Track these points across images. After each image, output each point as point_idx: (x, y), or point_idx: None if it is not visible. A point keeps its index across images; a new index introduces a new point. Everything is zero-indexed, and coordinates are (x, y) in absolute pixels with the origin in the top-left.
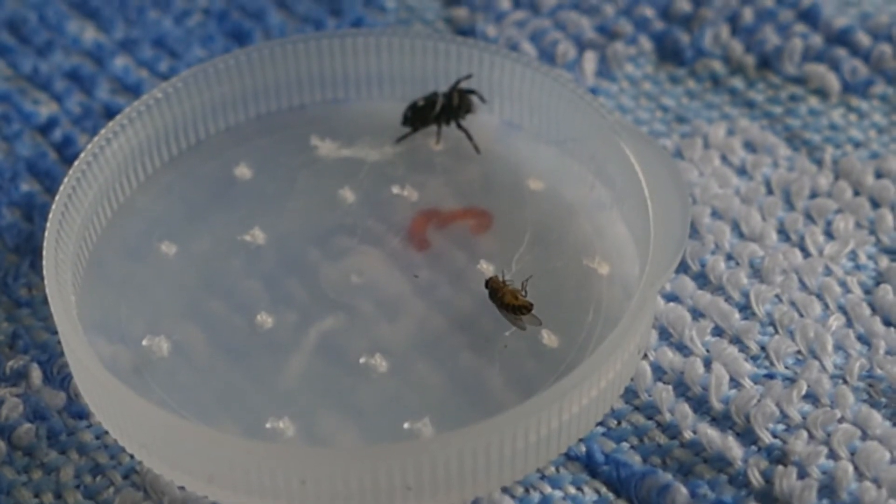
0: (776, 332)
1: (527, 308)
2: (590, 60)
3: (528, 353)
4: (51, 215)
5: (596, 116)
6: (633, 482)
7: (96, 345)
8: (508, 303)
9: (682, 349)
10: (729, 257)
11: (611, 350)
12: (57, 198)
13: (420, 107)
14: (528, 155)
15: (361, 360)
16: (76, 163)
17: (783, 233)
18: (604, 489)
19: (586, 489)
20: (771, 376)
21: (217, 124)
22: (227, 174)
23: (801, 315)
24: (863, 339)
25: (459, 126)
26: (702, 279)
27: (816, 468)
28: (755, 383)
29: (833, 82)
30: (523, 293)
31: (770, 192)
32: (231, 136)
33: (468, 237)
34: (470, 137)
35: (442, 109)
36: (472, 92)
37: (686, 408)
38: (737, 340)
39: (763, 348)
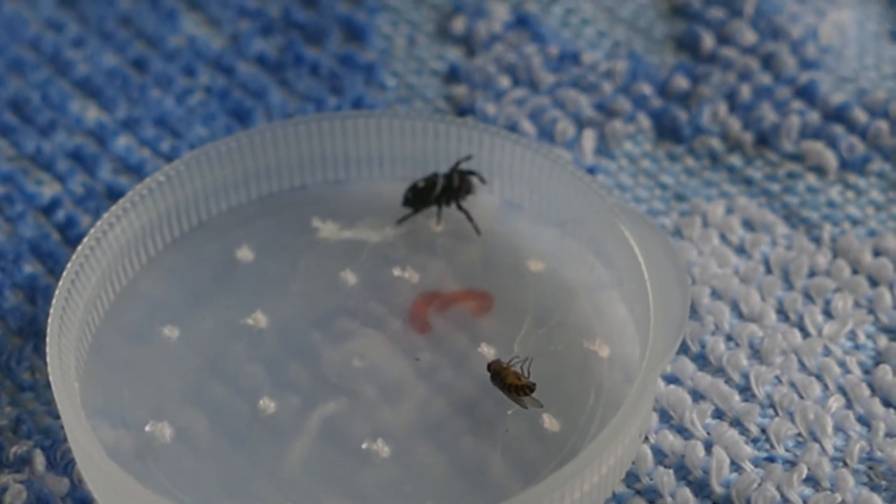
0: (776, 414)
1: (530, 388)
2: (589, 138)
3: (530, 437)
4: (54, 301)
5: (595, 198)
6: None
7: (99, 430)
8: (511, 383)
9: (683, 432)
10: (728, 338)
11: (613, 435)
12: (60, 283)
13: (420, 188)
14: (529, 236)
15: (364, 445)
16: (79, 247)
17: (782, 312)
18: None
19: None
20: (771, 459)
21: (219, 205)
22: (229, 256)
23: (801, 397)
24: (862, 421)
25: (460, 207)
26: (702, 360)
27: None
28: (756, 466)
29: (830, 159)
30: (526, 374)
31: (769, 271)
32: (233, 218)
33: (469, 319)
34: (470, 219)
35: (442, 191)
36: (472, 173)
37: (687, 492)
38: (737, 423)
39: (763, 430)
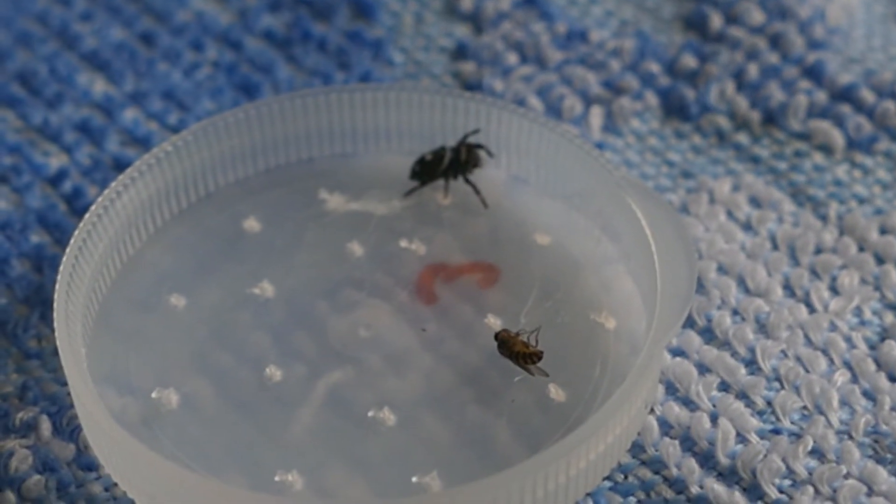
0: (782, 387)
1: (537, 356)
2: (596, 115)
3: (536, 407)
4: (61, 268)
5: (602, 172)
6: None
7: (106, 397)
8: (519, 351)
9: (689, 404)
10: (735, 312)
11: (618, 405)
12: (67, 251)
13: (428, 161)
14: (535, 209)
15: (370, 414)
16: (87, 216)
17: (788, 288)
18: None
19: None
20: (777, 432)
21: (226, 177)
22: (236, 227)
23: (807, 370)
24: (868, 395)
25: (467, 180)
26: (708, 334)
27: None
28: (761, 438)
29: (837, 138)
30: (534, 343)
31: (775, 247)
32: (240, 189)
33: (476, 291)
34: (478, 192)
35: (450, 164)
36: (479, 147)
37: (693, 463)
38: (743, 395)
39: (769, 403)
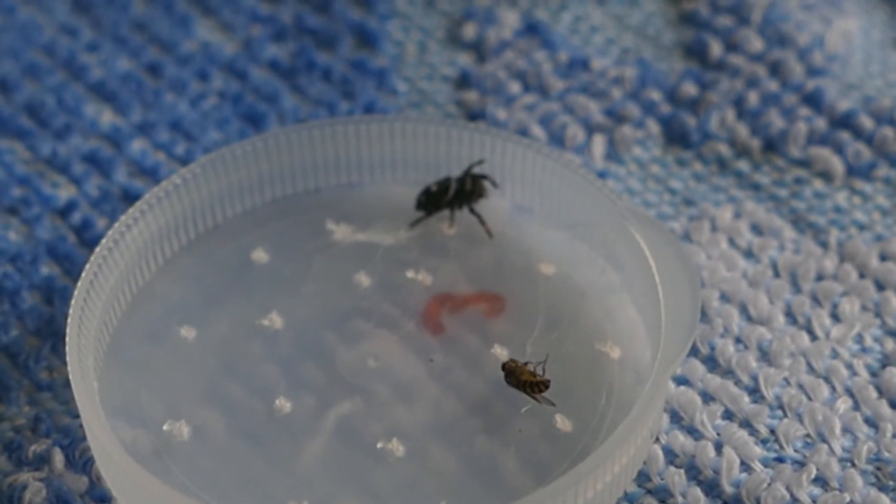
0: (785, 415)
1: (545, 384)
2: (598, 144)
3: (542, 437)
4: (73, 301)
5: (605, 202)
6: None
7: (118, 429)
8: (527, 380)
9: (694, 433)
10: (738, 340)
11: (625, 435)
12: (79, 283)
13: (433, 192)
14: (540, 239)
15: (379, 445)
16: (98, 248)
17: (790, 315)
18: None
19: None
20: (781, 460)
21: (234, 208)
22: (245, 258)
23: (809, 398)
24: (870, 422)
25: (472, 211)
26: (711, 362)
27: None
28: (765, 467)
29: (837, 165)
30: (541, 373)
31: (777, 274)
32: (248, 220)
33: (482, 321)
34: (483, 222)
35: (455, 194)
36: (484, 177)
37: (698, 491)
38: (747, 424)
39: (772, 431)
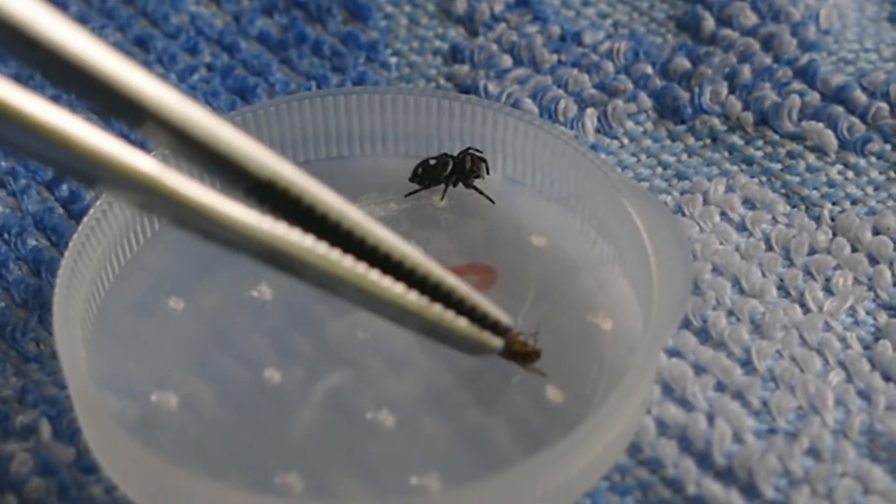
0: (777, 387)
1: (536, 355)
2: (590, 117)
3: (534, 408)
4: (60, 272)
5: (598, 173)
6: None
7: (105, 400)
8: (518, 350)
9: (685, 404)
10: (730, 313)
11: (616, 407)
12: (66, 254)
13: (431, 165)
14: (531, 211)
15: (368, 416)
16: (85, 219)
17: (783, 289)
18: None
19: None
20: (773, 431)
21: None
22: None
23: (802, 371)
24: (863, 395)
25: (467, 186)
26: (703, 335)
27: None
28: (757, 438)
29: (830, 139)
30: (532, 342)
31: (770, 248)
32: None
33: None
34: (481, 191)
35: (453, 170)
36: (483, 160)
37: (689, 462)
38: (739, 396)
39: (765, 403)
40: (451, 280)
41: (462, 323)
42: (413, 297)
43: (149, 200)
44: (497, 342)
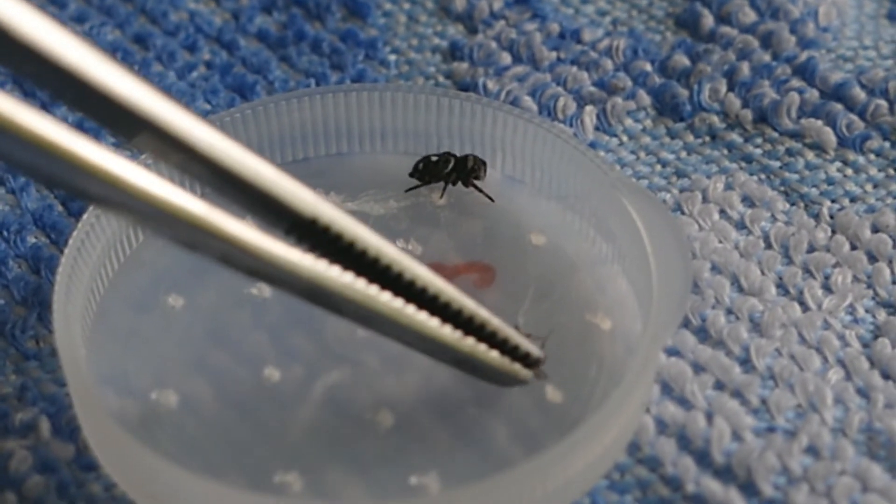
0: (776, 385)
1: (539, 361)
2: (589, 115)
3: (533, 408)
4: (60, 269)
5: (597, 172)
6: None
7: (105, 398)
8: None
9: (684, 403)
10: (729, 311)
11: (615, 406)
12: (66, 251)
13: (433, 162)
14: (530, 210)
15: (368, 415)
16: (85, 216)
17: (782, 287)
18: None
19: None
20: (772, 430)
21: None
22: None
23: (801, 369)
24: (862, 393)
25: (467, 185)
26: (702, 333)
27: None
28: (756, 436)
29: (829, 137)
30: (540, 347)
31: (769, 246)
32: None
33: (471, 292)
34: (480, 189)
35: (454, 168)
36: (483, 162)
37: (688, 461)
38: (738, 394)
39: (764, 402)
40: (484, 313)
41: (494, 355)
42: (447, 331)
43: (194, 239)
44: (527, 374)
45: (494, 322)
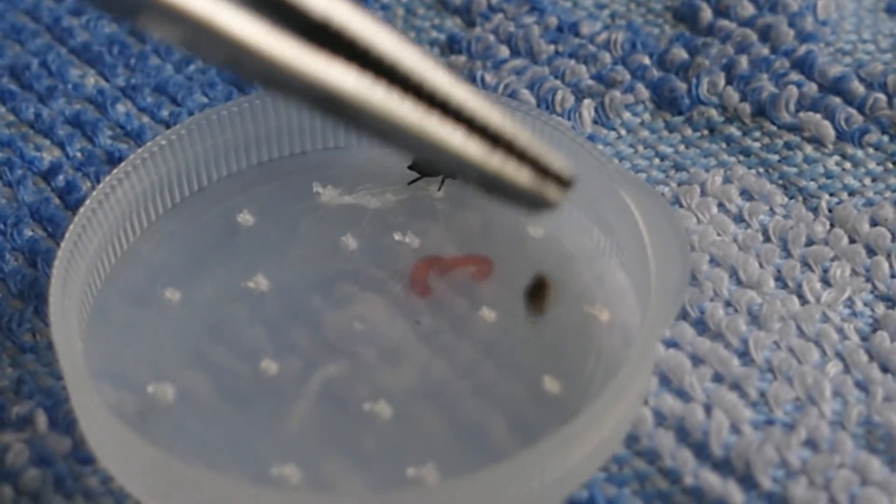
0: (775, 378)
1: (571, 181)
2: (587, 108)
3: (530, 399)
4: (56, 262)
5: (595, 164)
6: None
7: (102, 391)
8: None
9: (683, 395)
10: (727, 304)
11: (613, 398)
12: (62, 245)
13: None
14: None
15: (365, 407)
16: (81, 210)
17: (780, 280)
18: None
19: None
20: (770, 422)
21: (219, 171)
22: (230, 221)
23: (800, 362)
24: (860, 386)
25: None
26: (701, 326)
27: None
28: (755, 429)
29: (828, 130)
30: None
31: (767, 239)
32: (233, 183)
33: (469, 284)
34: None
35: None
36: None
37: (687, 453)
38: (736, 387)
39: (762, 395)
40: (512, 127)
41: (523, 174)
42: (473, 147)
43: (198, 38)
44: (558, 195)
45: (524, 137)
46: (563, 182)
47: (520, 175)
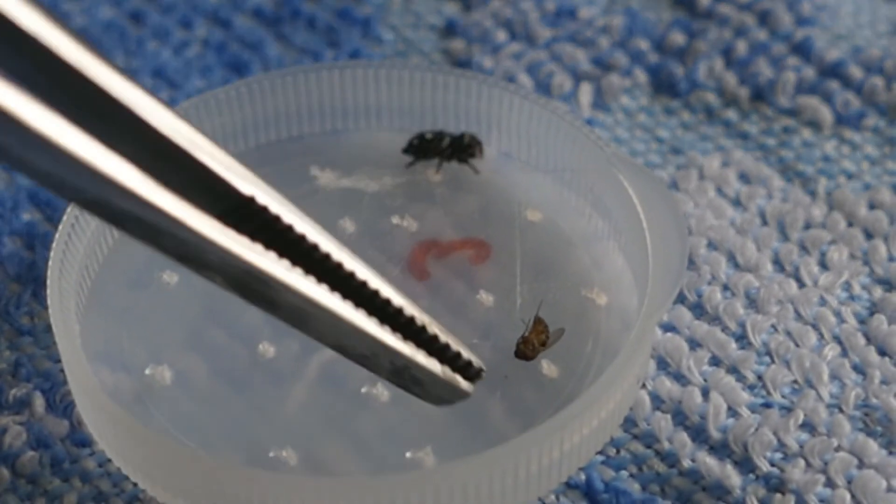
0: (772, 361)
1: (481, 372)
2: (585, 92)
3: (529, 382)
4: (54, 245)
5: (593, 148)
6: None
7: (99, 373)
8: (530, 355)
9: (680, 379)
10: (725, 288)
11: (611, 381)
12: (60, 228)
13: (429, 139)
14: (526, 186)
15: (363, 390)
16: None
17: (778, 263)
18: None
19: None
20: (768, 405)
21: None
22: None
23: (797, 345)
24: (858, 369)
25: (461, 161)
26: (698, 309)
27: (814, 496)
28: (752, 412)
29: (826, 115)
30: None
31: (765, 223)
32: None
33: (467, 267)
34: (469, 163)
35: (450, 145)
36: (479, 141)
37: (684, 436)
38: (734, 370)
39: (760, 378)
40: (426, 316)
41: (434, 364)
42: (387, 333)
43: (122, 209)
44: (467, 387)
45: (436, 326)
46: (472, 372)
47: (430, 364)
